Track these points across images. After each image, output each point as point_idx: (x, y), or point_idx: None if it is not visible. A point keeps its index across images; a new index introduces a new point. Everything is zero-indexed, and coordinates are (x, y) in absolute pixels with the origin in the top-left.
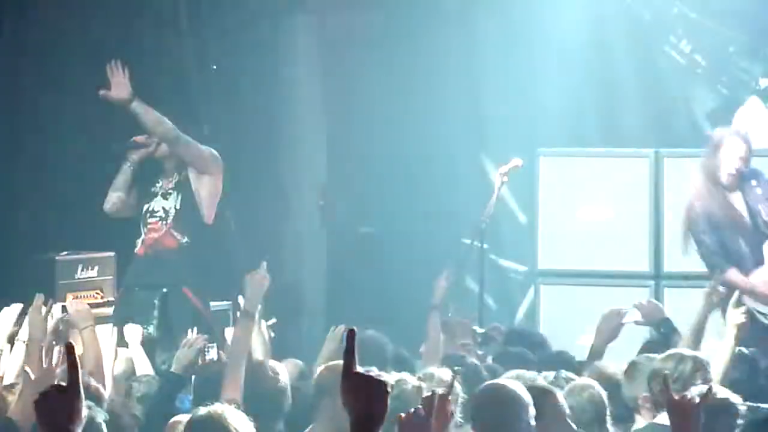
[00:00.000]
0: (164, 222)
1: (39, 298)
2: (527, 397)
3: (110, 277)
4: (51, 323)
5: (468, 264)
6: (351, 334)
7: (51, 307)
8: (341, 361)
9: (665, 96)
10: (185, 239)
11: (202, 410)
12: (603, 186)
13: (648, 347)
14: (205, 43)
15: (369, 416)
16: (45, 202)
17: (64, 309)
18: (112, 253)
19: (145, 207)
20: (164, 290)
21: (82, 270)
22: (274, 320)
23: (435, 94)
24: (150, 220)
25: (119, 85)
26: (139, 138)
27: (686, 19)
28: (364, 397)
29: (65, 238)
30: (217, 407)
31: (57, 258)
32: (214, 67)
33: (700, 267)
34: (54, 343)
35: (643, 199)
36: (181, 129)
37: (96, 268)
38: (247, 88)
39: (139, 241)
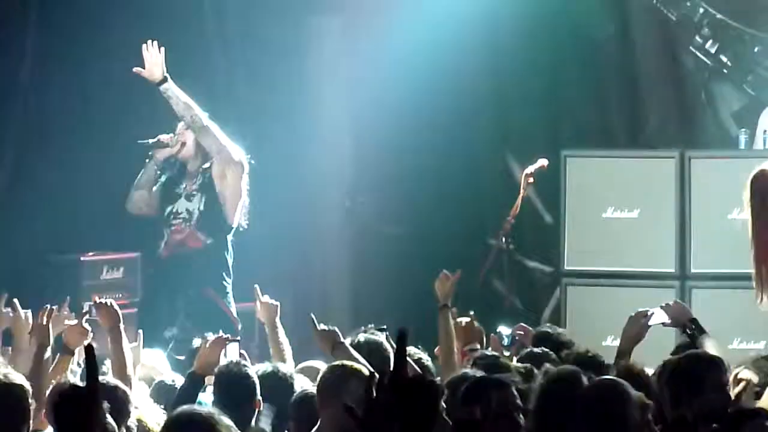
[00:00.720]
0: (188, 223)
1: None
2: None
3: (135, 277)
4: (73, 323)
5: (494, 265)
6: (402, 336)
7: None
8: (342, 362)
9: (691, 96)
10: (210, 240)
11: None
12: (628, 187)
13: (679, 351)
14: (230, 43)
15: (423, 420)
16: (70, 202)
17: (90, 309)
18: (137, 254)
19: (168, 209)
20: (189, 291)
21: (107, 271)
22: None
23: (461, 95)
24: (174, 222)
25: (154, 65)
26: (164, 137)
27: (712, 19)
28: (416, 401)
29: (90, 239)
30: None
31: (82, 258)
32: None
33: (725, 268)
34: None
35: (669, 200)
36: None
37: (121, 269)
38: (274, 89)
39: (162, 242)
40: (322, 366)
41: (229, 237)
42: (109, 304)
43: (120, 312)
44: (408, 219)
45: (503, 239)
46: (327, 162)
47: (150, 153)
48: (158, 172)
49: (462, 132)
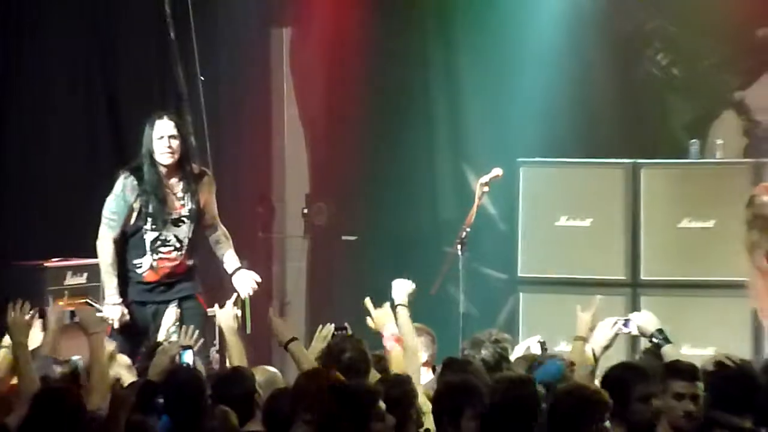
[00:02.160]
0: (179, 252)
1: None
2: None
3: (98, 283)
4: (53, 326)
5: (450, 272)
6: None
7: (35, 313)
8: (319, 368)
9: (642, 108)
10: (192, 262)
11: None
12: (581, 195)
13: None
14: (195, 52)
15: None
16: (33, 208)
17: (73, 314)
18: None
19: (155, 235)
20: (180, 297)
21: (71, 276)
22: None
23: (418, 108)
24: (162, 249)
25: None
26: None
27: (664, 32)
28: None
29: (53, 244)
30: None
31: (46, 264)
32: (202, 78)
33: (675, 275)
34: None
35: (621, 209)
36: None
37: (85, 274)
38: (239, 99)
39: (146, 265)
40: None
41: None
42: (94, 308)
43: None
44: (366, 226)
45: (459, 247)
46: (287, 171)
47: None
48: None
49: (419, 142)
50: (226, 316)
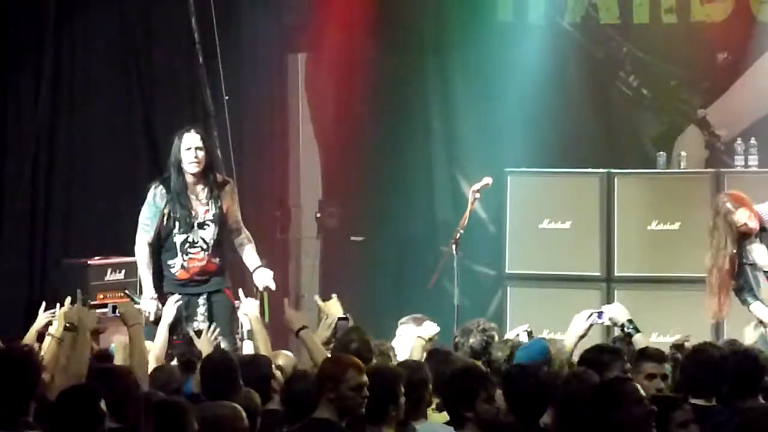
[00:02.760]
0: (206, 252)
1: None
2: None
3: (135, 279)
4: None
5: (446, 269)
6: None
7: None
8: (342, 354)
9: (616, 123)
10: (219, 260)
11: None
12: (562, 201)
13: (615, 343)
14: (221, 74)
15: None
16: (78, 211)
17: (114, 308)
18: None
19: (183, 237)
20: (209, 291)
21: (111, 273)
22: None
23: (417, 124)
24: (191, 251)
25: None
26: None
27: (634, 57)
28: None
29: (96, 244)
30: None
31: (89, 262)
32: (227, 97)
33: (645, 272)
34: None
35: (596, 213)
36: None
37: (123, 271)
38: (260, 116)
39: (178, 265)
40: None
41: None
42: (132, 302)
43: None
44: (372, 228)
45: (453, 247)
46: (302, 179)
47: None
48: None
49: (419, 154)
50: (251, 307)
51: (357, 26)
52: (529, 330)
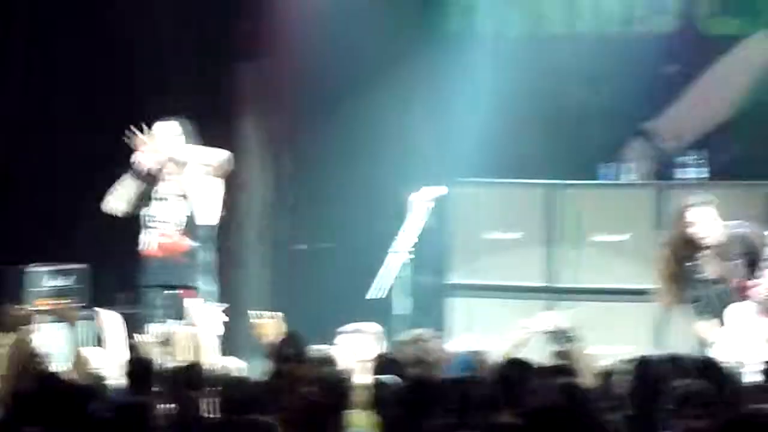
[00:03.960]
0: (177, 228)
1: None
2: None
3: (84, 285)
4: None
5: (389, 278)
6: None
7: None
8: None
9: (562, 134)
10: (194, 244)
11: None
12: (508, 212)
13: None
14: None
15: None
16: (19, 213)
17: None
18: (86, 265)
19: (152, 210)
20: (173, 291)
21: (52, 279)
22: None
23: (366, 133)
24: (161, 225)
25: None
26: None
27: (581, 69)
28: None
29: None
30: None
31: (26, 269)
32: (178, 104)
33: (588, 283)
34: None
35: (541, 223)
36: None
37: (73, 277)
38: (208, 126)
39: (147, 242)
40: None
41: (212, 237)
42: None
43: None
44: (317, 237)
45: (397, 256)
46: (248, 186)
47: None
48: (138, 185)
49: (367, 164)
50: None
51: (307, 34)
52: (472, 339)
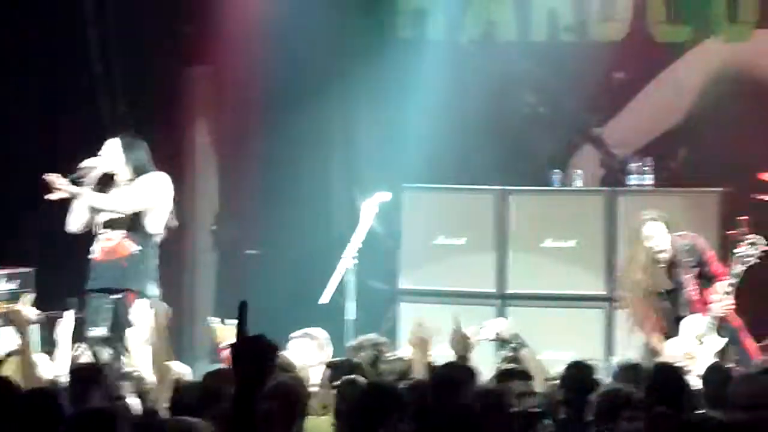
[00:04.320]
0: (119, 232)
1: None
2: None
3: (32, 288)
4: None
5: (340, 283)
6: (243, 306)
7: None
8: (222, 368)
9: (512, 140)
10: (138, 248)
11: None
12: (457, 217)
13: (505, 362)
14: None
15: (256, 374)
16: None
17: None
18: (32, 269)
19: (100, 216)
20: (115, 296)
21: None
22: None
23: (316, 138)
24: (104, 230)
25: (63, 192)
26: (87, 163)
27: (532, 74)
28: (253, 359)
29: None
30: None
31: None
32: (124, 109)
33: (538, 289)
34: None
35: (491, 229)
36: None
37: (17, 281)
38: (155, 129)
39: (96, 247)
40: None
41: (156, 243)
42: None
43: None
44: (267, 242)
45: (348, 261)
46: (198, 190)
47: (80, 179)
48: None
49: (316, 169)
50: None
51: (255, 39)
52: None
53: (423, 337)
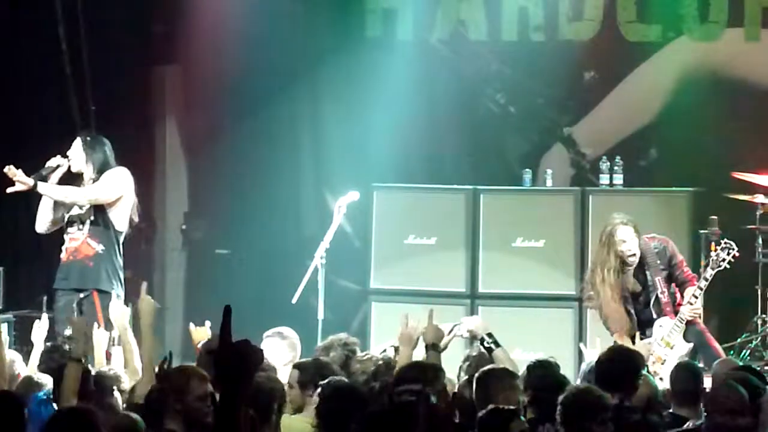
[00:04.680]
0: (82, 231)
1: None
2: None
3: None
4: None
5: (310, 283)
6: (227, 310)
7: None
8: (186, 365)
9: (482, 140)
10: (101, 248)
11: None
12: (427, 217)
13: (468, 360)
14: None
15: (241, 380)
16: None
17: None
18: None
19: (67, 216)
20: (81, 295)
21: None
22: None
23: (285, 138)
24: (69, 230)
25: (20, 182)
26: (53, 161)
27: (502, 74)
28: (239, 364)
29: None
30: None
31: None
32: (93, 107)
33: (509, 288)
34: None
35: (462, 229)
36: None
37: None
38: (125, 127)
39: (63, 248)
40: None
41: (120, 242)
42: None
43: None
44: (237, 241)
45: (318, 261)
46: (167, 190)
47: (47, 177)
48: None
49: (286, 168)
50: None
51: (224, 38)
52: (395, 345)
53: (411, 334)
